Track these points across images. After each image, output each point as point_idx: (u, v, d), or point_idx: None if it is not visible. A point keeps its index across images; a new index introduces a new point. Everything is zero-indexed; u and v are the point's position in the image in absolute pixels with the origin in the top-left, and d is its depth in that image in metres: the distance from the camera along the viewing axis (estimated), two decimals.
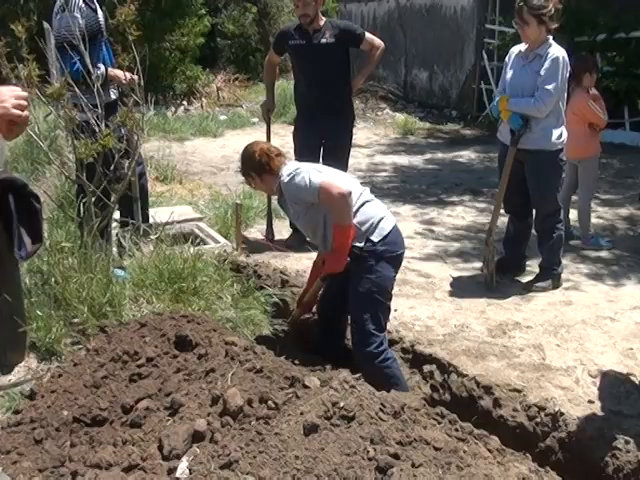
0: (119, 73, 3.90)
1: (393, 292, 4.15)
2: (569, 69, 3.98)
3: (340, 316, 3.44)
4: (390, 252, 3.14)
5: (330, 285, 3.35)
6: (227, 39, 19.85)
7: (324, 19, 4.69)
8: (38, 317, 3.11)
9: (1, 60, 3.25)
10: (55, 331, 3.09)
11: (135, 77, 3.71)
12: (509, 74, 4.10)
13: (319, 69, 4.63)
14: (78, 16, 3.82)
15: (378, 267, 3.11)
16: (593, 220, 5.32)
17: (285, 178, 3.16)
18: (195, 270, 3.70)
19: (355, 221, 3.09)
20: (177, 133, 10.18)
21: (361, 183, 7.61)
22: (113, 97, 4.12)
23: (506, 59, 4.21)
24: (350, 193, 3.02)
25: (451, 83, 12.58)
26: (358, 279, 3.12)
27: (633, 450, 2.68)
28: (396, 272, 3.25)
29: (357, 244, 3.11)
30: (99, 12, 4.00)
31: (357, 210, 3.13)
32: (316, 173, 3.11)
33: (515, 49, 4.15)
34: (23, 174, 5.58)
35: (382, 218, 3.16)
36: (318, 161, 4.84)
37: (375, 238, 3.10)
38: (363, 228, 3.11)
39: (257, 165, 3.28)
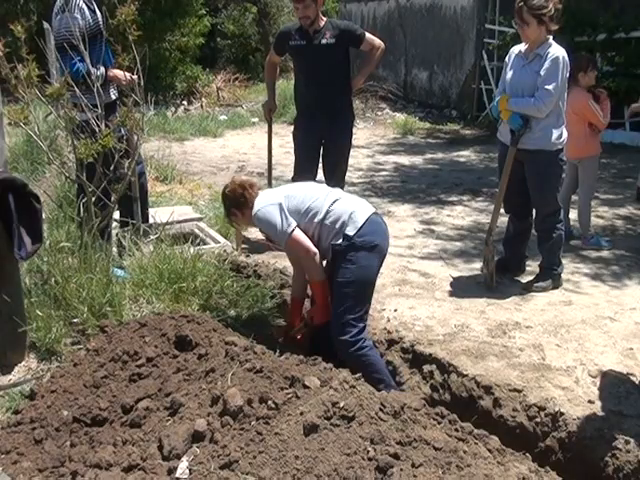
0: (119, 73, 3.90)
1: (393, 292, 4.17)
2: (569, 69, 3.98)
3: None
4: (369, 242, 3.18)
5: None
6: (227, 39, 19.86)
7: (324, 19, 4.68)
8: (38, 317, 3.11)
9: (1, 60, 3.24)
10: (55, 331, 3.09)
11: (135, 77, 3.71)
12: (509, 74, 4.09)
13: (319, 69, 4.62)
14: (78, 16, 3.82)
15: (358, 257, 3.16)
16: (593, 220, 5.32)
17: (255, 210, 3.26)
18: (195, 270, 3.70)
19: (328, 222, 3.21)
20: (177, 133, 10.19)
21: (361, 183, 7.62)
22: (113, 97, 4.12)
23: (506, 59, 4.20)
24: (316, 253, 3.18)
25: (451, 83, 12.58)
26: (339, 270, 3.20)
27: (633, 450, 2.68)
28: (379, 262, 3.28)
29: (336, 242, 3.20)
30: (97, 12, 4.00)
31: (327, 211, 3.22)
32: (285, 219, 3.18)
33: (515, 49, 4.15)
34: (23, 174, 5.58)
35: (353, 212, 3.22)
36: (318, 161, 4.84)
37: (350, 232, 3.17)
38: (337, 226, 3.20)
39: (234, 200, 3.37)
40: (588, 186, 5.12)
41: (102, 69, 3.90)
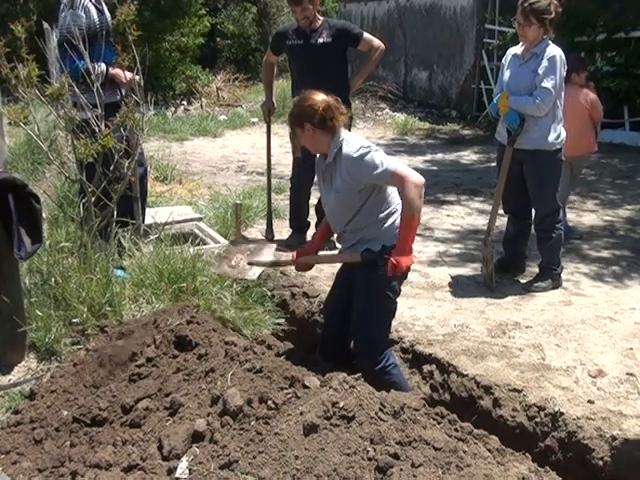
0: (119, 72, 3.90)
1: None
2: (566, 68, 3.99)
3: (348, 325, 3.25)
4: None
5: (339, 293, 3.28)
6: (227, 39, 19.89)
7: (321, 19, 4.69)
8: (38, 317, 3.11)
9: (1, 60, 3.25)
10: (55, 331, 3.09)
11: (136, 77, 3.71)
12: (506, 75, 4.10)
13: (316, 69, 4.62)
14: (82, 15, 3.83)
15: (393, 280, 2.99)
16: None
17: (352, 150, 2.87)
18: (195, 270, 3.70)
19: (387, 221, 2.95)
20: (177, 133, 10.19)
21: None
22: (117, 97, 4.10)
23: (502, 60, 4.22)
24: (424, 184, 2.84)
25: (451, 83, 12.58)
26: (366, 286, 3.01)
27: (633, 450, 2.68)
28: (401, 280, 3.12)
29: (372, 247, 2.97)
30: (106, 12, 4.00)
31: (391, 212, 2.97)
32: (387, 156, 2.86)
33: (512, 50, 4.16)
34: (23, 174, 5.58)
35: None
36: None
37: (388, 243, 2.96)
38: (383, 228, 2.98)
39: (319, 118, 2.91)
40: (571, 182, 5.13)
41: (103, 66, 3.88)
